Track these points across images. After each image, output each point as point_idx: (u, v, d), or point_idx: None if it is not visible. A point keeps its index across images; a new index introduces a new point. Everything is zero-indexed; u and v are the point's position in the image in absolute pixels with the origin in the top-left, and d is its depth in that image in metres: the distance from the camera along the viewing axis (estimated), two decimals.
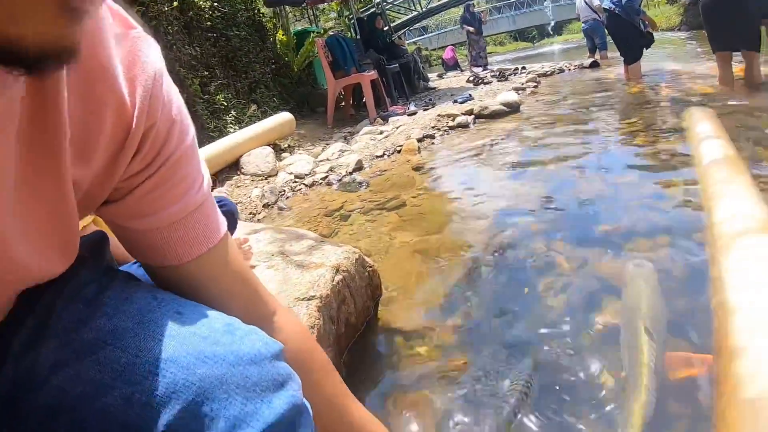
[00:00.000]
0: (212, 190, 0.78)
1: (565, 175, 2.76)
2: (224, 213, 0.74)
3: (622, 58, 5.93)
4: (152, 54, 0.55)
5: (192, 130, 0.63)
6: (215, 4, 6.41)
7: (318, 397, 0.79)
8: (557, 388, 1.25)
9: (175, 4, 5.54)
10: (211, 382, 0.54)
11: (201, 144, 3.98)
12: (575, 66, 8.93)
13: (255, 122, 5.01)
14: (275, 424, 0.55)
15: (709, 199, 1.97)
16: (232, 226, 1.28)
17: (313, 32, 8.36)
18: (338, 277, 1.53)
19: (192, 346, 0.56)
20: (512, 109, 5.08)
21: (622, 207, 2.24)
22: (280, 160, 4.43)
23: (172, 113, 0.58)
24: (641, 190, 2.40)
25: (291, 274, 1.52)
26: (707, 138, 2.57)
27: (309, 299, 1.39)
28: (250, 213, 3.26)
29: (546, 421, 1.15)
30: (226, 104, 5.62)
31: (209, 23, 6.22)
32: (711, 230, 1.75)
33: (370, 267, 1.75)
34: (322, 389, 0.83)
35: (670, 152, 2.84)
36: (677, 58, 7.64)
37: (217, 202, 0.87)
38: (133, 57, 0.53)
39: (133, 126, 0.53)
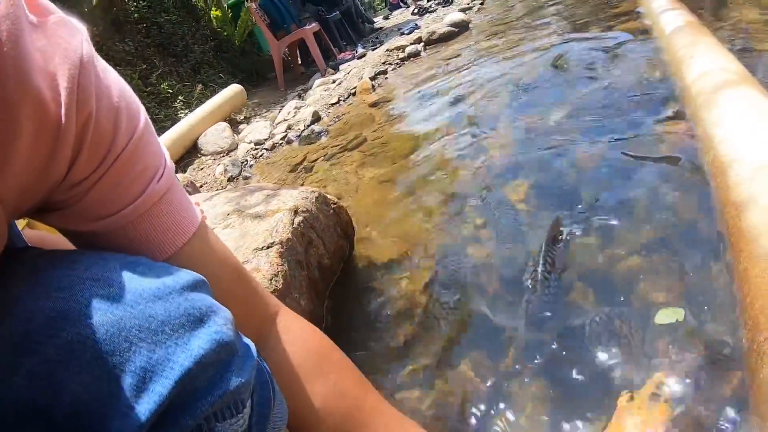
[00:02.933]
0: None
1: (524, 79, 2.64)
2: None
3: None
4: (75, 40, 0.47)
5: (142, 113, 0.55)
6: None
7: (341, 400, 0.73)
8: (538, 319, 1.16)
9: (95, 2, 5.30)
10: (106, 331, 0.44)
11: None
12: None
13: (205, 102, 4.85)
14: (195, 369, 0.46)
15: (678, 63, 1.91)
16: None
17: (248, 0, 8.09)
18: (298, 219, 1.43)
19: (83, 293, 0.46)
20: (461, 28, 4.93)
21: (591, 91, 2.14)
22: (238, 133, 4.30)
23: (113, 101, 0.50)
24: (604, 70, 2.31)
25: (248, 227, 1.42)
26: (666, 10, 2.49)
27: (268, 247, 1.29)
28: (216, 191, 3.15)
29: (536, 366, 1.05)
30: (171, 91, 5.44)
31: (137, 15, 5.98)
32: (687, 91, 1.69)
33: (335, 204, 1.65)
34: (343, 390, 0.75)
35: (629, 30, 2.74)
36: None
37: None
38: (54, 47, 0.45)
39: (63, 122, 0.44)
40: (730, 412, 0.79)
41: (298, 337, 0.75)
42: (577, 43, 2.91)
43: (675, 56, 1.98)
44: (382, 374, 1.13)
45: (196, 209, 0.64)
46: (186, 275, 0.52)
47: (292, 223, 1.41)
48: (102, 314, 0.45)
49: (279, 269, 1.24)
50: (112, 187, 0.51)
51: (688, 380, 0.86)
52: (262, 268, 1.23)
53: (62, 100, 0.44)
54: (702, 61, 1.73)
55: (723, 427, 0.78)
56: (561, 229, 1.36)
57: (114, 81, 0.52)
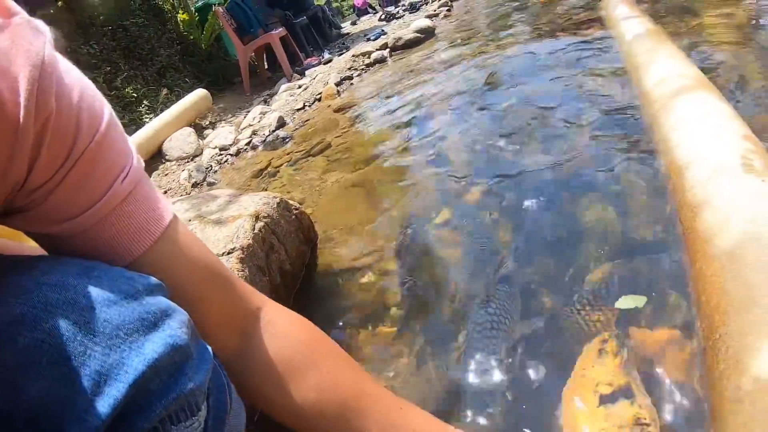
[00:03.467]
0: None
1: (491, 84, 2.70)
2: None
3: None
4: (38, 42, 0.47)
5: (107, 110, 0.55)
6: None
7: (336, 390, 0.72)
8: (507, 319, 1.19)
9: (60, 3, 5.21)
10: (62, 335, 0.45)
11: None
12: None
13: (170, 106, 4.80)
14: (149, 373, 0.47)
15: (637, 68, 1.97)
16: None
17: (215, 4, 8.03)
18: (260, 225, 1.44)
19: (39, 298, 0.46)
20: (427, 34, 4.98)
21: (556, 93, 2.20)
22: (203, 138, 4.27)
23: (73, 101, 0.50)
24: (567, 72, 2.37)
25: (209, 233, 1.42)
26: (627, 18, 2.58)
27: (229, 253, 1.30)
28: (180, 197, 3.13)
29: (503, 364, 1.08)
30: (136, 95, 5.37)
31: (102, 17, 5.89)
32: (646, 96, 1.74)
33: (297, 210, 1.66)
34: (338, 380, 0.74)
35: (592, 37, 2.82)
36: None
37: None
38: (16, 48, 0.45)
39: (21, 123, 0.44)
40: (687, 401, 0.84)
41: (286, 330, 0.75)
42: (535, 50, 2.98)
43: (635, 62, 2.04)
44: None
45: (167, 206, 0.63)
46: (142, 279, 0.52)
47: (253, 229, 1.41)
48: (58, 319, 0.46)
49: (240, 275, 1.24)
50: (74, 189, 0.52)
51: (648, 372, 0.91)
52: None
53: (21, 101, 0.44)
54: (661, 67, 1.79)
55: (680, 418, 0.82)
56: None
57: (76, 80, 0.52)
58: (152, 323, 0.49)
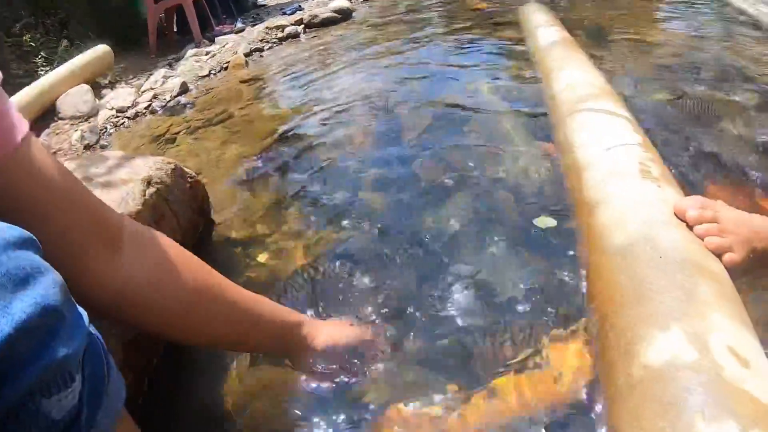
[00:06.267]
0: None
1: (398, 70, 2.78)
2: None
3: None
4: None
5: None
6: None
7: (208, 282, 0.85)
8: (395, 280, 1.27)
9: None
10: None
11: (11, 93, 3.55)
12: None
13: (68, 60, 4.51)
14: (16, 335, 0.42)
15: (548, 73, 2.07)
16: None
17: None
18: (151, 191, 1.41)
19: None
20: (344, 15, 4.94)
21: (460, 87, 2.29)
22: (101, 98, 4.06)
23: None
24: (478, 70, 2.47)
25: (96, 196, 1.38)
26: (542, 25, 2.71)
27: None
28: (71, 159, 2.98)
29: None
30: (34, 45, 5.02)
31: None
32: (553, 100, 1.84)
33: (192, 178, 1.64)
34: (206, 277, 0.86)
35: (507, 38, 2.95)
36: None
37: None
38: None
39: None
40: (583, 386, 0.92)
41: (151, 237, 0.81)
42: (449, 42, 3.08)
43: (547, 67, 2.15)
44: (231, 356, 1.16)
45: (21, 124, 0.62)
46: (10, 230, 0.48)
47: (144, 195, 1.38)
48: None
49: None
50: None
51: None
52: None
53: None
54: (571, 74, 1.90)
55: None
56: None
57: None
58: (21, 280, 0.45)
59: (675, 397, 0.69)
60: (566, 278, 1.17)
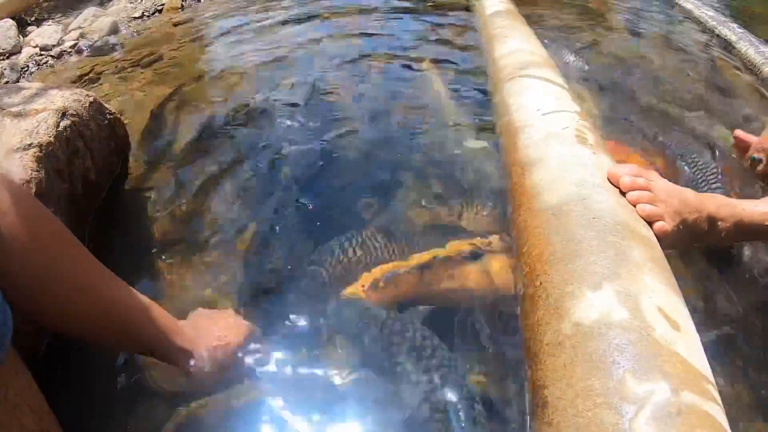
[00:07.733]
0: None
1: (340, 22, 2.77)
2: None
3: None
4: None
5: None
6: None
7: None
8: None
9: None
10: None
11: None
12: None
13: None
14: None
15: (491, 39, 2.08)
16: None
17: None
18: (65, 123, 1.37)
19: None
20: None
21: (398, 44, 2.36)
22: (25, 35, 3.86)
23: None
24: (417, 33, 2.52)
25: (6, 125, 1.32)
26: None
27: (25, 149, 1.22)
28: None
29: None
30: None
31: None
32: (494, 64, 1.86)
33: (111, 114, 1.60)
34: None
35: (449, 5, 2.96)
36: None
37: None
38: None
39: None
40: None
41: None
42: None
43: (490, 33, 2.16)
44: None
45: None
46: None
47: (57, 126, 1.34)
48: None
49: (34, 176, 1.17)
50: None
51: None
52: (15, 173, 1.14)
53: None
54: (514, 42, 1.92)
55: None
56: None
57: None
58: None
59: (606, 355, 0.70)
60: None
